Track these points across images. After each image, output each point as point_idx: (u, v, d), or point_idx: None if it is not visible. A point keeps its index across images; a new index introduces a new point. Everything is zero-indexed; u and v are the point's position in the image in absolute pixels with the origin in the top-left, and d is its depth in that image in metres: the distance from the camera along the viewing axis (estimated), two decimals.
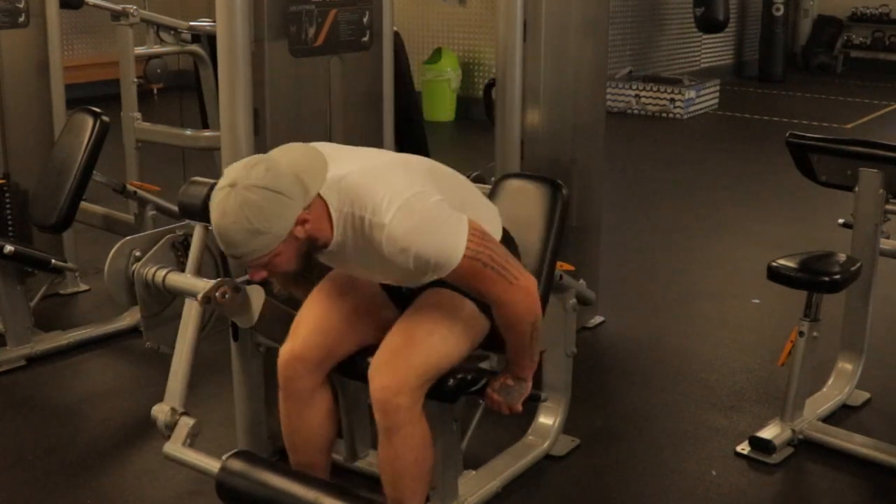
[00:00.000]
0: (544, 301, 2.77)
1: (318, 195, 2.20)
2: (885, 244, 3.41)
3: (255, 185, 2.10)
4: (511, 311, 2.31)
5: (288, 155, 2.25)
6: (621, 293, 4.59)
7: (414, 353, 2.32)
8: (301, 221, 2.15)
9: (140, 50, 5.60)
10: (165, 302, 3.01)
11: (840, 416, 3.42)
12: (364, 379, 2.40)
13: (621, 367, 3.92)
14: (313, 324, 2.47)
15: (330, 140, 3.02)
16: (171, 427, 2.73)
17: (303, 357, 2.45)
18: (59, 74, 4.45)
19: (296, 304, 2.62)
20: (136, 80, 5.32)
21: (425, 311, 2.40)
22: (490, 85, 5.83)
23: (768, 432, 3.19)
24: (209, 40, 5.90)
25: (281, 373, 2.48)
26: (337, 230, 2.23)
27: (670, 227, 5.90)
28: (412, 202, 2.18)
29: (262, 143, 2.88)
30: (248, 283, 2.70)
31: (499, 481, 2.94)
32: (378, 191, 2.19)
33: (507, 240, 2.50)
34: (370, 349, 2.44)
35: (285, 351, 2.47)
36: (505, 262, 2.27)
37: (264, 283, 2.75)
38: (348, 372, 2.54)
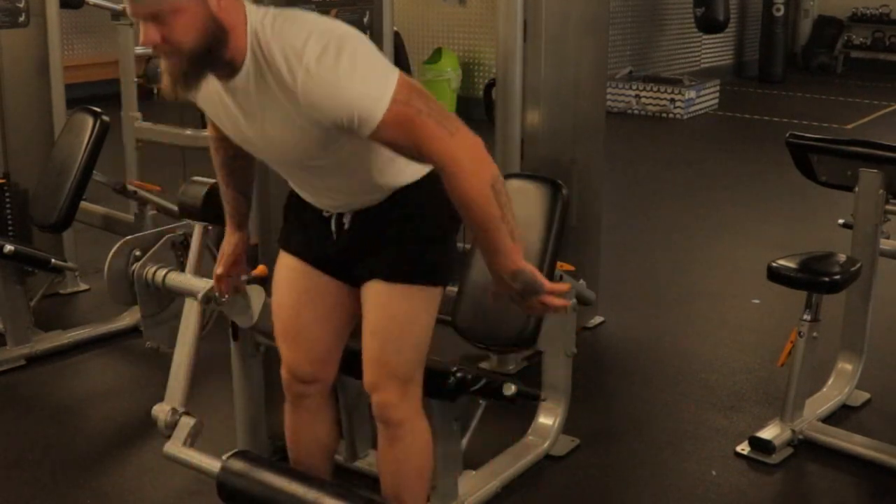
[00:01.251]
0: None
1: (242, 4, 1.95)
2: (885, 244, 3.41)
3: None
4: (461, 169, 1.94)
5: None
6: (621, 293, 4.59)
7: (401, 360, 2.25)
8: None
9: (140, 50, 5.61)
10: (165, 302, 3.02)
11: (840, 416, 3.42)
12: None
13: (621, 367, 3.92)
14: (296, 340, 2.39)
15: None
16: (171, 427, 2.73)
17: (299, 373, 2.40)
18: (59, 74, 4.45)
19: None
20: (136, 79, 5.33)
21: (385, 312, 2.23)
22: (490, 85, 5.84)
23: (768, 432, 3.19)
24: None
25: (287, 391, 2.45)
26: (248, 55, 1.96)
27: (670, 227, 5.90)
28: (342, 40, 1.91)
29: None
30: (249, 282, 2.69)
31: (499, 481, 2.93)
32: (306, 25, 1.93)
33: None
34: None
35: (283, 373, 2.44)
36: (442, 110, 1.95)
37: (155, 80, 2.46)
38: (348, 370, 2.54)
